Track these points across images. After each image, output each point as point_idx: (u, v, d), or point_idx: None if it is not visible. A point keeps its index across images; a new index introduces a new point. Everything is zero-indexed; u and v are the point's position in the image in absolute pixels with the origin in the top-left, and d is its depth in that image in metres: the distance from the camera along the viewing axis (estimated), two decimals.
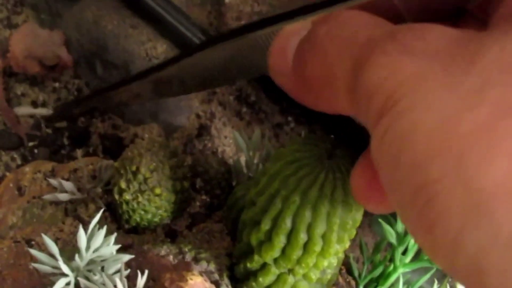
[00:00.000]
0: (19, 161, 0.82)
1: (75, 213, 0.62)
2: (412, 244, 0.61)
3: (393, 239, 0.62)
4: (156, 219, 0.60)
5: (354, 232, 0.53)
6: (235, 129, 0.81)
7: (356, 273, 0.64)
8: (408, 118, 0.26)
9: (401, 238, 0.61)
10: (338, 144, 0.52)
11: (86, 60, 0.85)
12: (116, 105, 0.66)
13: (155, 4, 0.85)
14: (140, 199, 0.58)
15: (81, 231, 0.49)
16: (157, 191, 0.58)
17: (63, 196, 0.62)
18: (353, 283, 0.63)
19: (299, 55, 0.34)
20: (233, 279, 0.57)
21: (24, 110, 0.83)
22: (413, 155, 0.25)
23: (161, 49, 0.85)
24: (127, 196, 0.58)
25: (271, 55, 0.36)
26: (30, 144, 0.83)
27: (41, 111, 0.84)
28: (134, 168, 0.58)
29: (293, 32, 0.35)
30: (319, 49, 0.32)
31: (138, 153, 0.58)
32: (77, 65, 0.85)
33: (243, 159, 0.68)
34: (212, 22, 0.87)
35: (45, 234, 0.54)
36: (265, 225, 0.51)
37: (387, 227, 0.61)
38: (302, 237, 0.50)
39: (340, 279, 0.61)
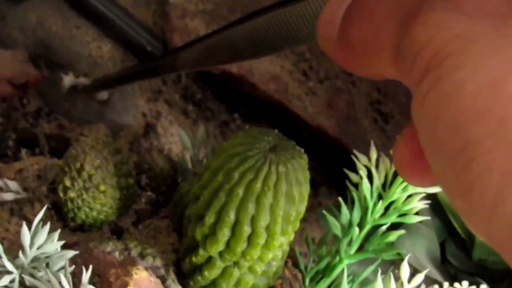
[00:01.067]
0: None
1: (21, 212, 0.62)
2: (356, 235, 0.62)
3: (338, 231, 0.62)
4: (102, 216, 0.60)
5: (298, 224, 0.53)
6: (182, 127, 0.81)
7: (302, 266, 0.65)
8: (454, 77, 0.25)
9: (346, 230, 0.62)
10: (281, 137, 0.52)
11: (32, 61, 0.85)
12: (179, 69, 0.66)
13: (100, 4, 0.85)
14: (85, 196, 0.58)
15: (24, 228, 0.49)
16: (102, 188, 0.58)
17: (8, 196, 0.62)
18: (299, 275, 0.63)
19: (347, 17, 0.33)
20: (179, 274, 0.58)
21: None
22: (456, 114, 0.25)
23: (105, 49, 0.85)
24: (72, 194, 0.58)
25: (320, 21, 0.35)
26: None
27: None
28: (78, 165, 0.58)
29: None
30: (366, 9, 0.31)
31: (82, 150, 0.58)
32: None
33: (188, 156, 0.68)
34: (157, 22, 0.88)
35: None
36: (209, 219, 0.52)
37: (331, 219, 0.62)
38: (246, 229, 0.51)
39: (286, 272, 0.61)
